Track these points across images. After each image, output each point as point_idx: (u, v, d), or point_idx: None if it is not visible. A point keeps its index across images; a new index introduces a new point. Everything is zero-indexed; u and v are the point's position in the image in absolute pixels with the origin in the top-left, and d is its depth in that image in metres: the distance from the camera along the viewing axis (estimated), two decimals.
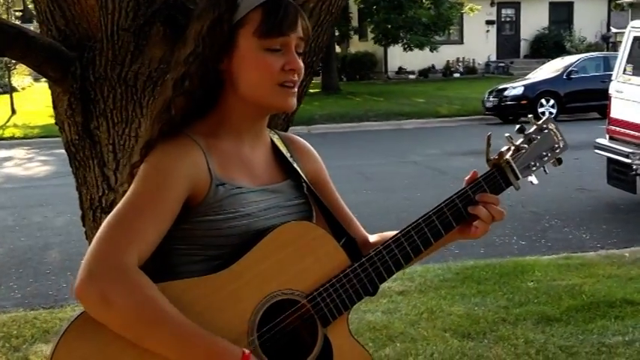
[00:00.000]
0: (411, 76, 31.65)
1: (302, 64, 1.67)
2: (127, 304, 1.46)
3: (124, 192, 1.60)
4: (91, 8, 2.31)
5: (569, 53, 26.87)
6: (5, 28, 2.20)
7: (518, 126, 1.79)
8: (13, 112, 22.53)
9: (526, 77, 21.63)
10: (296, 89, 1.68)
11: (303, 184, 1.78)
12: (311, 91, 27.07)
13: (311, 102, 23.08)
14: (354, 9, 29.76)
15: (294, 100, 1.68)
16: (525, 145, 1.79)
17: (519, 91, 19.54)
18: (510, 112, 19.41)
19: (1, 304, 6.16)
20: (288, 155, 1.79)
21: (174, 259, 1.65)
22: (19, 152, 16.59)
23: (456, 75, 32.02)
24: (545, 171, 1.82)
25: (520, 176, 1.78)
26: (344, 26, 29.31)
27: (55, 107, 2.40)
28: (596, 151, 9.23)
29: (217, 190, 1.61)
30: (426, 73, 31.93)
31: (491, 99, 19.77)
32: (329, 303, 1.67)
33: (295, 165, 1.78)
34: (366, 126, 19.70)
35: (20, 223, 9.28)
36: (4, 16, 24.76)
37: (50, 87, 2.38)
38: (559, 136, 1.83)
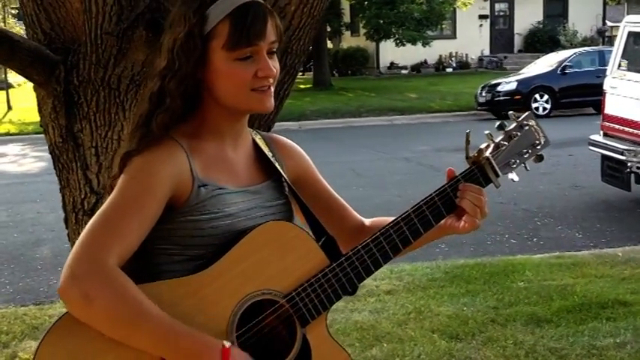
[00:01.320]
0: (404, 71, 31.64)
1: (275, 67, 1.67)
2: (109, 302, 1.49)
3: (107, 195, 1.60)
4: (76, 11, 2.30)
5: (564, 48, 26.89)
6: None
7: (497, 122, 1.79)
8: (9, 108, 22.49)
9: (520, 72, 21.63)
10: (272, 89, 1.69)
11: (284, 184, 1.80)
12: (302, 86, 27.15)
13: (302, 98, 23.07)
14: (345, 4, 29.72)
15: (271, 101, 1.70)
16: (505, 142, 1.78)
17: (513, 86, 19.52)
18: (503, 107, 19.36)
19: None
20: (270, 155, 1.80)
21: (157, 259, 1.67)
22: (14, 148, 16.53)
23: (449, 70, 32.01)
24: (525, 168, 1.82)
25: (500, 173, 1.77)
26: (335, 22, 29.27)
27: (40, 110, 2.40)
28: (591, 147, 9.19)
29: (200, 191, 1.64)
30: (418, 68, 31.92)
31: (484, 94, 19.75)
32: (307, 303, 1.68)
33: (277, 165, 1.80)
34: (358, 122, 19.68)
35: (14, 219, 9.27)
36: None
37: (35, 89, 2.37)
38: (540, 132, 1.83)
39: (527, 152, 1.81)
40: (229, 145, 1.73)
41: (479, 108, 20.05)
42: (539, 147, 1.82)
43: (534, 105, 19.17)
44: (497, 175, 1.76)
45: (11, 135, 18.45)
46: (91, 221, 1.57)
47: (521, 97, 19.10)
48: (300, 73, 35.26)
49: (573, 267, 6.22)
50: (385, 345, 4.66)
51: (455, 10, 29.58)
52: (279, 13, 2.25)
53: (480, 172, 1.76)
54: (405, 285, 5.87)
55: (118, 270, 1.52)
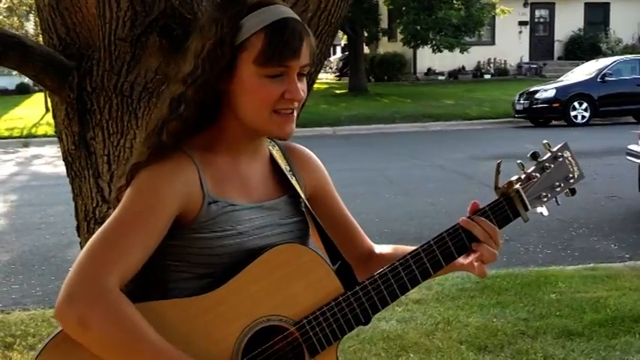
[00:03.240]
0: (441, 78, 31.50)
1: (303, 90, 1.59)
2: (105, 328, 1.44)
3: (112, 209, 1.56)
4: (92, 17, 2.27)
5: (605, 55, 26.55)
6: (2, 37, 2.17)
7: (531, 152, 1.70)
8: (47, 110, 22.81)
9: (559, 79, 21.36)
10: (295, 114, 1.61)
11: (301, 200, 1.72)
12: (337, 92, 27.18)
13: (337, 103, 23.07)
14: (383, 10, 29.65)
15: (292, 127, 1.62)
16: (537, 174, 1.70)
17: (551, 93, 19.30)
18: (541, 115, 19.18)
19: (23, 302, 6.19)
20: (287, 169, 1.73)
21: (165, 275, 1.61)
22: (50, 150, 16.78)
23: (487, 76, 31.79)
24: (557, 202, 1.73)
25: (529, 207, 1.69)
26: (373, 27, 29.21)
27: (54, 116, 2.38)
28: (629, 157, 9.01)
29: (210, 208, 1.57)
30: (455, 75, 31.76)
31: (521, 101, 19.57)
32: (318, 332, 1.61)
33: (294, 180, 1.72)
34: (392, 128, 19.63)
35: (46, 221, 9.35)
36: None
37: (50, 96, 2.35)
38: (574, 164, 1.74)
39: (560, 186, 1.72)
40: (244, 160, 1.66)
41: (516, 115, 19.87)
42: (572, 181, 1.74)
43: (573, 113, 18.94)
44: (526, 209, 1.69)
45: (48, 137, 18.71)
46: (92, 238, 1.51)
47: (560, 105, 18.90)
48: (337, 79, 35.49)
49: (607, 279, 6.08)
50: (412, 355, 4.59)
51: (494, 16, 29.33)
52: None
53: (508, 205, 1.69)
54: (434, 294, 5.78)
55: (117, 292, 1.45)
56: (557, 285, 5.93)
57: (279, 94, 1.56)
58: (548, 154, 1.73)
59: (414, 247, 1.70)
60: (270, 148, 1.75)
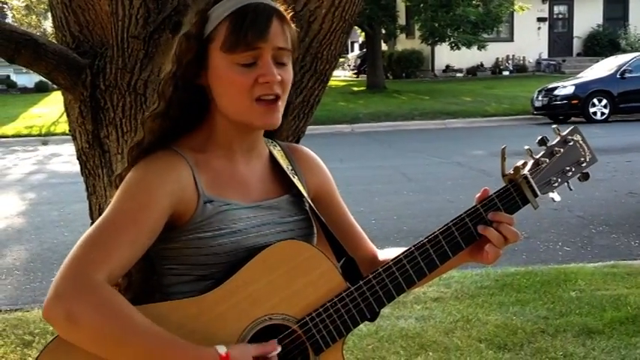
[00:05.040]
0: (459, 75, 31.36)
1: (283, 76, 1.54)
2: (93, 321, 1.40)
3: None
4: (105, 14, 2.27)
5: (625, 51, 26.32)
6: (14, 35, 2.17)
7: (539, 137, 1.66)
8: None
9: (578, 76, 21.20)
10: (280, 103, 1.56)
11: (304, 199, 1.69)
12: (355, 89, 27.12)
13: (355, 100, 23.01)
14: (401, 7, 29.55)
15: (276, 116, 1.56)
16: (546, 159, 1.65)
17: (570, 90, 19.16)
18: (560, 111, 19.04)
19: (42, 300, 6.10)
20: (288, 169, 1.69)
21: (166, 280, 1.59)
22: (69, 149, 16.82)
23: (506, 73, 31.61)
24: (569, 187, 1.68)
25: (539, 193, 1.64)
26: (391, 24, 29.12)
27: (67, 114, 2.37)
28: None
29: (205, 208, 1.54)
30: (474, 72, 31.60)
31: (540, 98, 19.44)
32: (322, 329, 1.57)
33: (295, 179, 1.68)
34: (411, 125, 19.55)
35: (65, 218, 9.37)
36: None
37: (63, 94, 2.34)
38: (586, 148, 1.69)
39: (571, 170, 1.68)
40: (240, 159, 1.63)
41: (535, 112, 19.72)
42: (584, 164, 1.69)
43: (592, 110, 18.80)
44: (535, 195, 1.64)
45: (67, 135, 18.70)
46: (82, 237, 1.49)
47: (579, 102, 18.76)
48: (355, 76, 35.43)
49: (628, 277, 6.00)
50: (431, 354, 4.55)
51: (512, 12, 29.14)
52: (309, 16, 2.16)
53: (516, 192, 1.64)
54: (453, 292, 5.73)
55: (104, 285, 1.42)
56: (577, 283, 5.86)
57: (252, 79, 1.51)
58: (558, 139, 1.69)
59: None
60: (272, 147, 1.72)
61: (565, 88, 19.30)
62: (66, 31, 2.37)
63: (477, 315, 5.20)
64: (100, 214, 2.28)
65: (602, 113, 18.91)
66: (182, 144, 1.58)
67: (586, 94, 18.94)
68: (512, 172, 1.64)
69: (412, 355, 4.55)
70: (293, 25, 1.58)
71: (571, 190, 1.69)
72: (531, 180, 1.64)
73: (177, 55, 1.55)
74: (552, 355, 4.47)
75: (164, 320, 1.47)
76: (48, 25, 25.95)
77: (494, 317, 5.15)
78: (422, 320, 5.13)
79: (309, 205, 1.69)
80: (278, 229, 1.62)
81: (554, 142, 1.68)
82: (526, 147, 1.66)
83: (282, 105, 1.57)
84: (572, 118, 19.33)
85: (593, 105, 18.95)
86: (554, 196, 1.67)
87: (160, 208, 1.50)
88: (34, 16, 24.94)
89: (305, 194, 1.68)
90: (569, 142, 1.68)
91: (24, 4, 24.51)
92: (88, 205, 2.39)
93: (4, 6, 26.44)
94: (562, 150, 1.67)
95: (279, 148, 1.74)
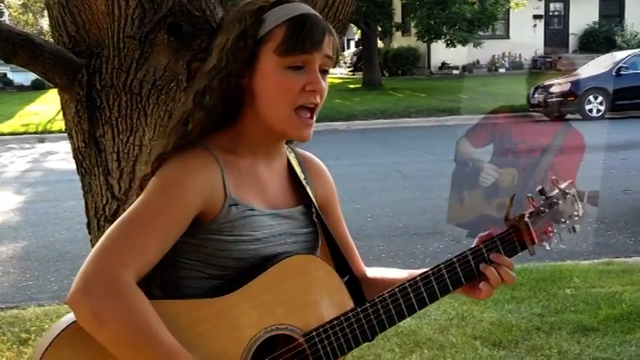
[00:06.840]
0: (455, 72, 31.36)
1: (325, 86, 1.61)
2: (118, 326, 1.44)
3: (127, 201, 1.56)
4: (101, 14, 2.27)
5: (621, 48, 26.36)
6: (11, 35, 2.18)
7: (539, 187, 1.76)
8: None
9: (574, 73, 21.21)
10: (314, 119, 1.62)
11: (313, 210, 1.73)
12: (351, 86, 27.11)
13: (351, 97, 23.01)
14: (397, 4, 29.55)
15: (310, 131, 1.63)
16: (546, 210, 1.75)
17: (566, 87, 19.15)
18: (557, 108, 19.04)
19: (38, 297, 6.22)
20: (302, 178, 1.74)
21: (180, 272, 1.61)
22: (65, 146, 16.78)
23: (502, 70, 31.61)
24: (560, 238, 1.78)
25: (536, 241, 1.73)
26: (386, 21, 29.12)
27: (64, 114, 2.38)
28: None
29: (230, 210, 1.57)
30: (470, 69, 31.59)
31: (536, 95, 19.43)
32: (326, 345, 1.62)
33: (308, 189, 1.73)
34: (407, 122, 19.56)
35: (61, 216, 9.39)
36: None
37: (59, 93, 2.35)
38: (579, 203, 1.79)
39: (565, 223, 1.77)
40: (263, 164, 1.67)
41: (531, 109, 19.72)
42: (576, 219, 1.79)
43: (588, 107, 18.83)
44: (533, 243, 1.73)
45: (63, 133, 18.66)
46: (112, 228, 1.50)
47: (575, 99, 18.75)
48: (350, 73, 35.43)
49: (623, 274, 6.04)
50: (426, 351, 4.57)
51: (508, 10, 29.15)
52: None
53: (516, 237, 1.73)
54: None
55: (132, 288, 1.45)
56: (572, 280, 5.89)
57: (300, 85, 1.57)
58: (556, 191, 1.78)
59: (404, 271, 1.77)
60: (288, 154, 1.76)
61: (561, 85, 19.32)
62: (62, 30, 2.37)
63: (472, 312, 5.22)
64: (95, 213, 2.32)
65: (598, 110, 18.93)
66: (213, 142, 1.62)
67: (582, 91, 18.96)
68: (516, 218, 1.73)
69: (407, 352, 4.58)
70: (336, 38, 1.65)
71: (562, 241, 1.79)
72: (532, 228, 1.72)
73: (232, 51, 1.58)
74: (547, 352, 4.50)
75: (175, 318, 1.50)
76: (44, 23, 25.93)
77: (490, 315, 5.17)
78: (417, 318, 5.13)
79: (318, 215, 1.74)
80: (290, 240, 1.67)
81: (553, 194, 1.77)
82: (528, 194, 1.75)
83: (313, 122, 1.63)
84: (568, 115, 19.37)
85: (589, 102, 18.98)
86: (546, 245, 1.77)
87: (192, 206, 1.53)
88: (30, 14, 24.91)
89: (317, 206, 1.73)
90: (567, 195, 1.78)
91: (21, 3, 24.49)
92: (84, 202, 2.41)
93: (1, 4, 26.39)
94: (560, 202, 1.77)
95: (294, 155, 1.78)
